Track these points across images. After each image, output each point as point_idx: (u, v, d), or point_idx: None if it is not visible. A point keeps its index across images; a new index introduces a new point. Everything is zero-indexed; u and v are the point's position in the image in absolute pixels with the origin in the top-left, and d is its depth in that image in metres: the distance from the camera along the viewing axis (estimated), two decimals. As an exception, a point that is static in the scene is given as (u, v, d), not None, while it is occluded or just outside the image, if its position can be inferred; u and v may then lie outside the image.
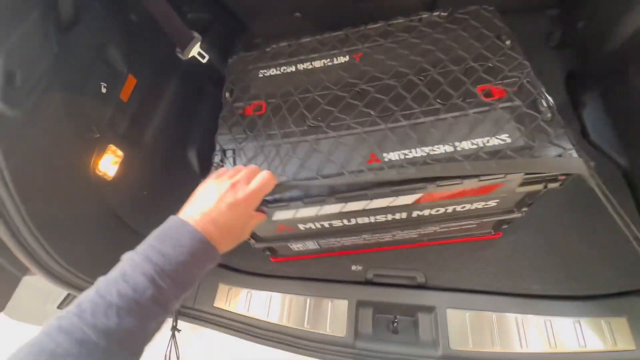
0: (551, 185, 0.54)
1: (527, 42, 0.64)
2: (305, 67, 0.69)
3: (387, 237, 0.76)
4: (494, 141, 0.53)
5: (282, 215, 0.60)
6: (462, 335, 0.70)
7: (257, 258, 0.88)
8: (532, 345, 0.67)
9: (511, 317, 0.70)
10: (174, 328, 0.79)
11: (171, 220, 0.43)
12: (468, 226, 0.73)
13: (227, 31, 1.17)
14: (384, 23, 0.71)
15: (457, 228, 0.74)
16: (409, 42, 0.66)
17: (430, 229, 0.73)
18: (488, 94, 0.57)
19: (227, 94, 0.70)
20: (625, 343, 0.64)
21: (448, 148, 0.53)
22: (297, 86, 0.66)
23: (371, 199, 0.55)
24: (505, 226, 0.77)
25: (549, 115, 0.53)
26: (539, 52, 1.05)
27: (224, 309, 0.82)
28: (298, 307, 0.79)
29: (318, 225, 0.67)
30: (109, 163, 0.73)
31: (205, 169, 1.04)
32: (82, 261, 0.64)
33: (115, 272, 0.38)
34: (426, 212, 0.64)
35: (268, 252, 0.84)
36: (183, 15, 1.09)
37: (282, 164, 0.58)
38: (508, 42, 0.61)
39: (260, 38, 1.31)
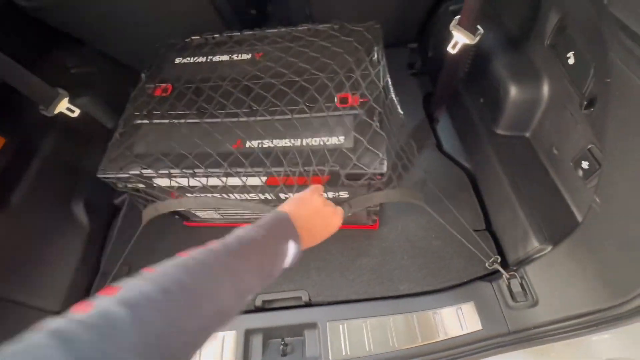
0: (373, 182, 0.64)
1: (394, 71, 0.76)
2: (215, 59, 0.80)
3: None
4: (332, 140, 0.63)
5: (162, 182, 0.68)
6: (340, 345, 0.74)
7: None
8: (401, 342, 0.73)
9: (383, 320, 0.76)
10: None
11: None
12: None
13: (117, 80, 1.20)
14: (286, 29, 0.83)
15: None
16: (297, 49, 0.77)
17: None
18: (344, 101, 0.68)
19: (143, 74, 0.81)
20: (473, 325, 0.73)
21: (297, 142, 0.64)
22: (200, 74, 0.77)
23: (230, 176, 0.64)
24: (375, 216, 0.85)
25: (378, 125, 0.63)
26: (403, 79, 1.22)
27: None
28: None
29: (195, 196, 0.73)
30: (-38, 230, 0.70)
31: (95, 218, 1.03)
32: None
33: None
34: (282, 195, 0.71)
35: (177, 217, 0.90)
36: (66, 71, 1.11)
37: (171, 138, 0.68)
38: (374, 57, 0.73)
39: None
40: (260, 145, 0.65)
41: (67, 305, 0.82)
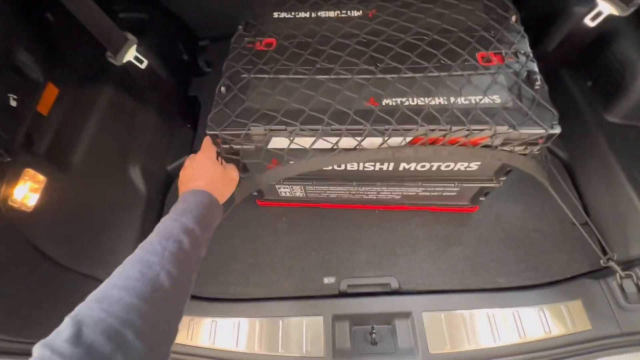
0: (530, 148, 0.57)
1: None
2: (319, 14, 0.70)
3: (371, 193, 0.77)
4: (485, 100, 0.55)
5: (278, 143, 0.58)
6: (440, 338, 0.69)
7: (219, 281, 0.80)
8: (504, 338, 0.69)
9: (482, 313, 0.72)
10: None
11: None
12: (449, 192, 0.75)
13: (167, 33, 1.06)
14: None
15: (438, 194, 0.76)
16: (421, 6, 0.67)
17: (413, 190, 0.75)
18: (487, 60, 0.60)
19: (240, 28, 0.70)
20: (582, 324, 0.69)
21: (443, 101, 0.55)
22: (309, 30, 0.67)
23: (365, 137, 0.55)
24: (482, 198, 0.78)
25: (539, 83, 0.56)
26: None
27: (186, 344, 0.73)
28: (270, 330, 0.73)
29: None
30: (26, 191, 0.60)
31: (152, 185, 0.94)
32: None
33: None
34: (412, 167, 0.65)
35: (256, 193, 0.83)
36: (113, 15, 0.97)
37: (292, 100, 0.58)
38: (513, 17, 0.65)
39: (206, 40, 1.21)
40: (400, 103, 0.56)
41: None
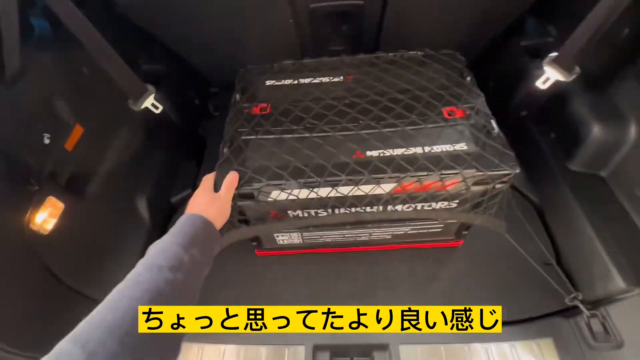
0: (498, 186, 0.67)
1: None
2: (305, 81, 0.82)
3: (364, 235, 0.83)
4: (455, 147, 0.66)
5: (278, 195, 0.66)
6: (415, 371, 0.72)
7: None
8: (477, 373, 0.72)
9: (458, 348, 0.75)
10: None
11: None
12: (435, 230, 0.82)
13: (182, 82, 1.21)
14: (372, 55, 0.86)
15: (425, 231, 0.82)
16: (394, 71, 0.80)
17: (402, 229, 0.82)
18: (451, 114, 0.71)
19: (237, 96, 0.81)
20: (553, 362, 0.71)
21: (418, 150, 0.66)
22: (298, 95, 0.78)
23: (357, 185, 0.64)
24: (465, 232, 0.85)
25: (496, 132, 0.67)
26: None
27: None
28: (252, 358, 0.76)
29: (305, 214, 0.73)
30: (46, 216, 0.68)
31: (157, 219, 1.02)
32: (9, 331, 0.58)
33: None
34: (399, 207, 0.72)
35: (254, 243, 0.88)
36: (138, 67, 1.12)
37: (282, 153, 0.68)
38: (468, 78, 0.78)
39: (216, 87, 1.37)
40: (381, 155, 0.66)
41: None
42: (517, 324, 0.78)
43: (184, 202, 1.06)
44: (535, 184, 0.99)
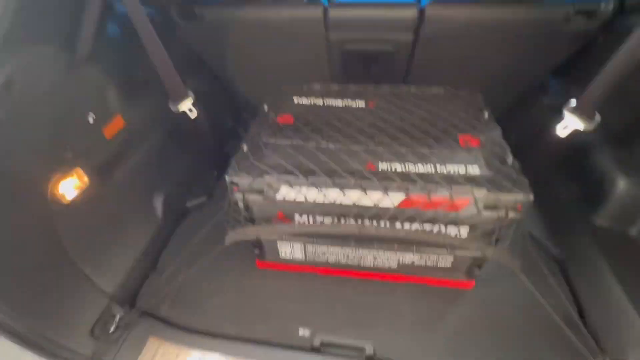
0: (511, 214, 0.64)
1: None
2: (330, 102, 0.89)
3: (368, 258, 0.80)
4: (468, 170, 0.66)
5: (287, 193, 0.67)
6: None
7: (195, 312, 0.81)
8: None
9: None
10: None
11: None
12: (444, 264, 0.78)
13: (221, 102, 1.33)
14: (395, 86, 0.93)
15: (433, 264, 0.78)
16: (415, 102, 0.86)
17: (409, 257, 0.78)
18: (466, 141, 0.73)
19: (265, 107, 0.88)
20: None
21: (430, 168, 0.67)
22: (321, 112, 0.84)
23: (365, 190, 0.65)
24: (477, 271, 0.79)
25: (511, 161, 0.68)
26: None
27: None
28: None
29: (312, 220, 0.72)
30: (70, 186, 0.73)
31: (169, 219, 1.05)
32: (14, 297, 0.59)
33: None
34: (406, 226, 0.70)
35: (257, 252, 0.86)
36: (184, 82, 1.25)
37: (297, 155, 0.71)
38: (486, 114, 0.82)
39: (248, 114, 1.48)
40: (393, 168, 0.67)
41: (118, 290, 0.80)
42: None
43: (199, 208, 1.10)
44: (557, 237, 0.93)
